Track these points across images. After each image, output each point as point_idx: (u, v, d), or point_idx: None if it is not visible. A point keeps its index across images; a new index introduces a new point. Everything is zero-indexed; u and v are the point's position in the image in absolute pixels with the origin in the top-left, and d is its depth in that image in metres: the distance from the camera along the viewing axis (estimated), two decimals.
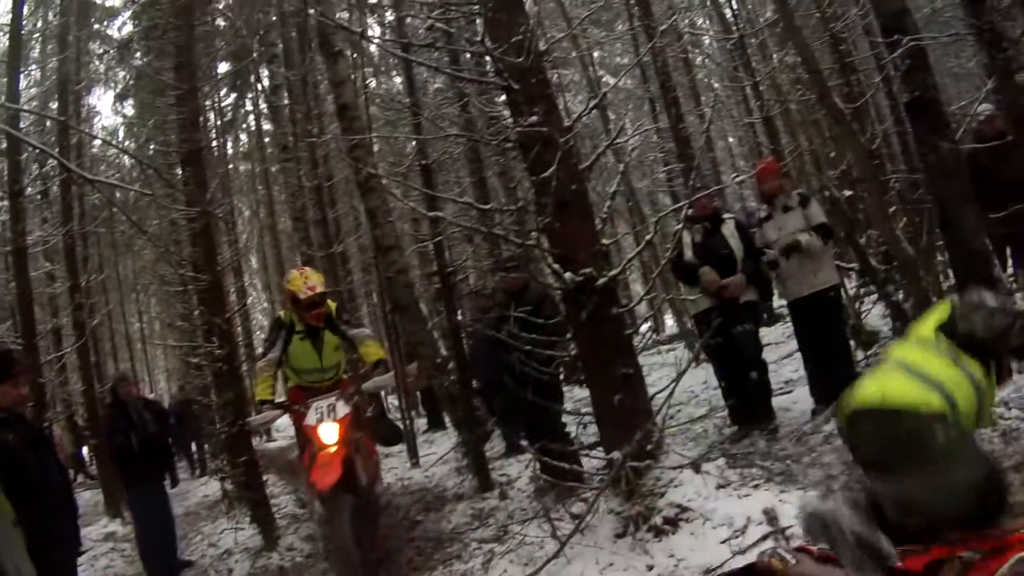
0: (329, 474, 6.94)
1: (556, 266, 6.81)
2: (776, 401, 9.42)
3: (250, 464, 10.47)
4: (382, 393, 16.56)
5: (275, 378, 7.91)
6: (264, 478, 11.19)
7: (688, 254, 9.00)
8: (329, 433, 7.22)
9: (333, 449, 7.14)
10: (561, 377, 8.82)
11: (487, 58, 7.68)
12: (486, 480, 9.74)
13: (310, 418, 7.34)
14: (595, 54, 26.77)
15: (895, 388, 4.52)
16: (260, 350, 8.88)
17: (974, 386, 4.50)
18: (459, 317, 11.97)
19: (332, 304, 8.24)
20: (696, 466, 6.58)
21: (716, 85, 26.57)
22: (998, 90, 8.87)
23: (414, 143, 11.60)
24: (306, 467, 7.55)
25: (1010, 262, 10.06)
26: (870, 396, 4.60)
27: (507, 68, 6.91)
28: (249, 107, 28.76)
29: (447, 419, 14.46)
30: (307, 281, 7.78)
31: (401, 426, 13.79)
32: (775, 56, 18.01)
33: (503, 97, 7.98)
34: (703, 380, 11.25)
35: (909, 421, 4.35)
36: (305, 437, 7.78)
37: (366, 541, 7.22)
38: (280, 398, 8.24)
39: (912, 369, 4.59)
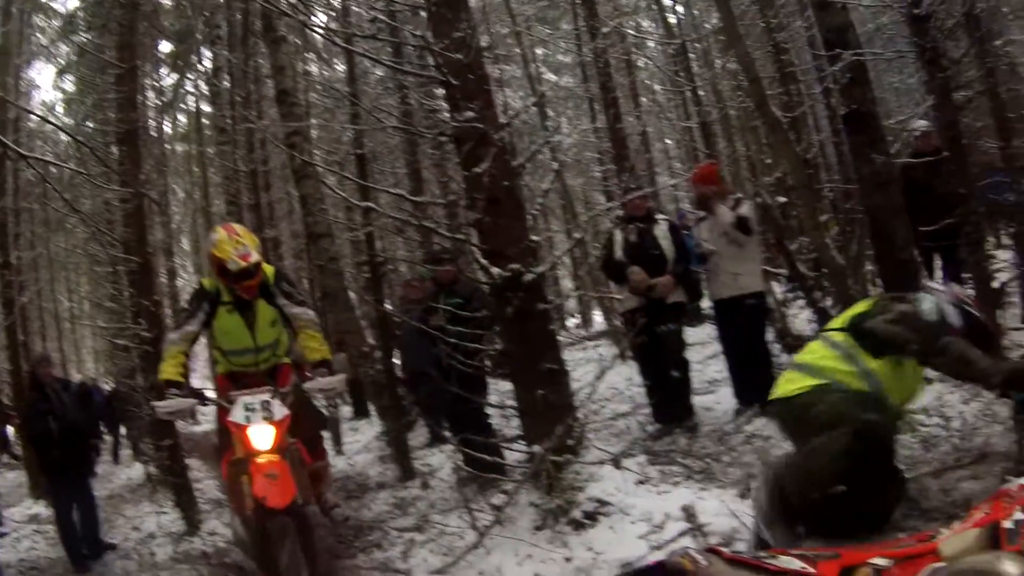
0: (282, 491, 5.81)
1: (484, 261, 6.84)
2: (699, 400, 9.55)
3: (174, 448, 10.40)
4: None
5: (187, 355, 6.63)
6: (187, 462, 11.11)
7: (619, 253, 9.07)
8: (263, 437, 6.06)
9: (274, 458, 5.98)
10: (487, 370, 8.76)
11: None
12: (408, 469, 9.77)
13: (236, 415, 6.14)
14: (538, 51, 26.86)
15: (786, 382, 5.10)
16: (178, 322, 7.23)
17: (865, 376, 4.91)
18: (387, 307, 12.00)
19: (270, 269, 6.87)
20: (617, 462, 6.68)
21: (657, 88, 26.77)
22: (936, 108, 9.07)
23: (351, 132, 11.60)
24: (227, 472, 6.38)
25: (939, 274, 10.31)
26: (775, 392, 5.15)
27: (447, 63, 6.93)
28: (190, 88, 28.58)
29: (372, 407, 14.49)
30: (238, 247, 6.42)
31: (326, 413, 13.74)
32: (718, 62, 18.22)
33: (442, 91, 7.95)
34: (628, 377, 11.32)
35: (794, 406, 4.94)
36: (227, 435, 6.45)
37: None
38: (208, 391, 7.51)
39: (802, 365, 5.13)
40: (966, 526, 3.67)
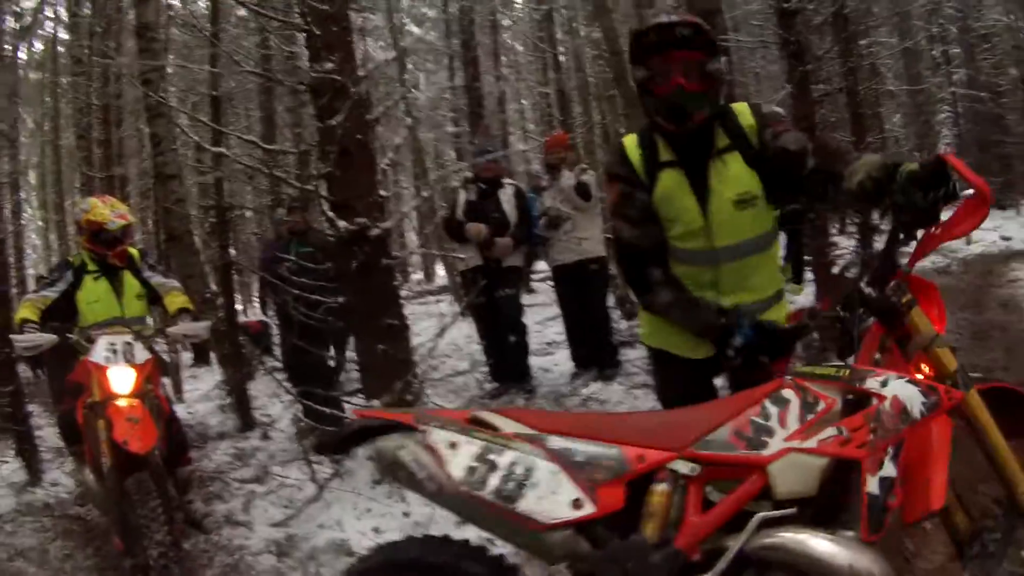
0: (143, 436, 5.49)
1: (331, 213, 6.84)
2: (537, 362, 9.78)
3: (16, 394, 10.05)
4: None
5: (43, 312, 6.26)
6: (29, 409, 10.76)
7: (459, 213, 9.10)
8: (122, 380, 5.74)
9: (134, 402, 5.67)
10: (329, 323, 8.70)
11: None
12: (249, 419, 9.68)
13: (97, 354, 5.81)
14: (404, 2, 26.66)
15: None
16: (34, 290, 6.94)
17: None
18: (231, 253, 11.76)
19: (135, 250, 6.76)
20: None
21: (520, 48, 26.87)
22: (794, 98, 9.37)
23: (207, 72, 11.35)
24: (82, 416, 5.93)
25: (782, 252, 10.70)
26: None
27: (311, 12, 6.89)
28: (49, 13, 27.46)
29: (213, 355, 14.28)
30: (114, 209, 6.36)
31: (167, 359, 13.46)
32: (583, 31, 18.37)
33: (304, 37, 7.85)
34: (468, 335, 11.41)
35: None
36: (83, 377, 5.99)
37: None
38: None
39: None
40: None
